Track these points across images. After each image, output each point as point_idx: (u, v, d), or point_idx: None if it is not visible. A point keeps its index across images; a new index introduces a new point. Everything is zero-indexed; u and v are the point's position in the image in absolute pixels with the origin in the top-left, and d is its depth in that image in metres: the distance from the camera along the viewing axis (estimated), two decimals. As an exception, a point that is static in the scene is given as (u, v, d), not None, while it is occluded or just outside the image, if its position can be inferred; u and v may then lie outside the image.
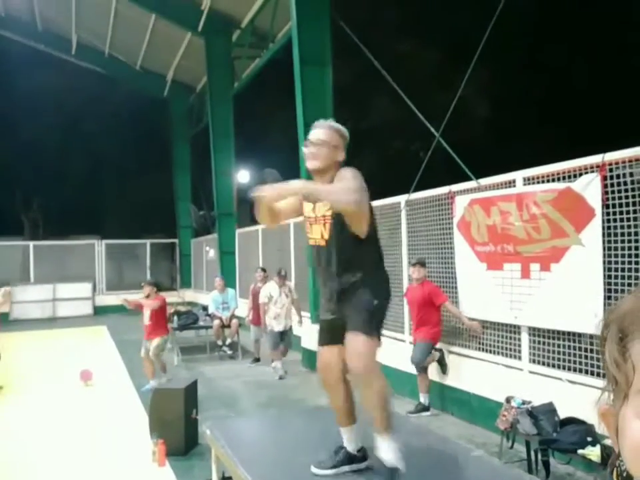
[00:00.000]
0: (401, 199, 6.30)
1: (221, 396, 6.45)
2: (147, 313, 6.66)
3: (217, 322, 8.72)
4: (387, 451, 2.40)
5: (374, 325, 2.46)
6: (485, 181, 5.25)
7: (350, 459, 2.64)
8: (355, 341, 2.40)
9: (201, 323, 9.29)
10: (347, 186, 2.39)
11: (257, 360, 8.22)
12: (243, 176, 16.04)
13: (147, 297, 6.81)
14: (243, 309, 9.53)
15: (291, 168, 9.66)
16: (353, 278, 2.51)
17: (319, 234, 2.59)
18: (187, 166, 17.24)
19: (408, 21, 10.48)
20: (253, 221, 12.93)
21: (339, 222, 2.50)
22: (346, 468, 2.63)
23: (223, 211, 12.52)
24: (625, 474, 0.42)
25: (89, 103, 17.60)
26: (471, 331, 5.30)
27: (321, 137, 2.58)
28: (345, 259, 2.52)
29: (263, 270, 8.37)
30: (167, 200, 17.61)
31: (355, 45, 7.76)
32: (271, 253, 10.55)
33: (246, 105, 13.02)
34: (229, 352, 8.73)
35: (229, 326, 8.77)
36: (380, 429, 2.43)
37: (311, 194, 2.48)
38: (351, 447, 2.66)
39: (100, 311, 15.37)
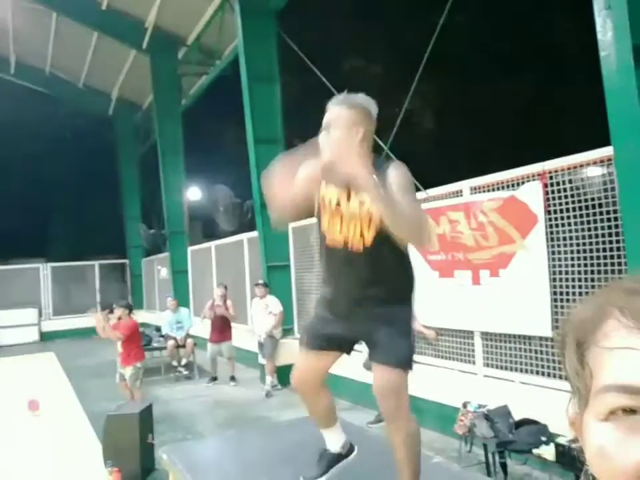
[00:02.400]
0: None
1: (178, 418, 6.29)
2: (119, 338, 6.31)
3: (171, 342, 8.52)
4: None
5: (407, 355, 2.11)
6: (433, 192, 5.38)
7: (336, 458, 2.49)
8: (390, 376, 2.07)
9: (155, 344, 9.05)
10: (417, 206, 1.93)
11: (214, 379, 8.07)
12: (193, 193, 15.85)
13: (119, 320, 6.46)
14: (198, 327, 9.36)
15: (242, 184, 9.64)
16: (391, 291, 2.12)
17: (353, 234, 2.06)
18: (135, 184, 16.90)
19: (354, 37, 10.69)
20: (206, 238, 12.81)
21: (381, 225, 1.98)
22: (337, 468, 2.47)
23: (173, 229, 12.31)
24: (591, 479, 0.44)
25: (31, 123, 17.01)
26: (427, 338, 5.38)
27: (327, 121, 2.05)
28: (386, 269, 2.09)
29: (225, 287, 8.26)
30: (115, 220, 17.18)
31: (303, 61, 7.86)
32: (224, 269, 10.43)
33: (195, 122, 12.91)
34: (185, 372, 8.54)
35: (183, 346, 8.58)
36: (405, 477, 2.13)
37: (371, 195, 1.87)
38: (334, 446, 2.50)
39: (47, 337, 14.75)
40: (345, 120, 2.04)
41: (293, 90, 9.24)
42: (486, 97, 9.27)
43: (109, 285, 17.17)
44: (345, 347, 2.29)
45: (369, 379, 5.60)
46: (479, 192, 4.83)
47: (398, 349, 2.08)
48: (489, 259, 4.67)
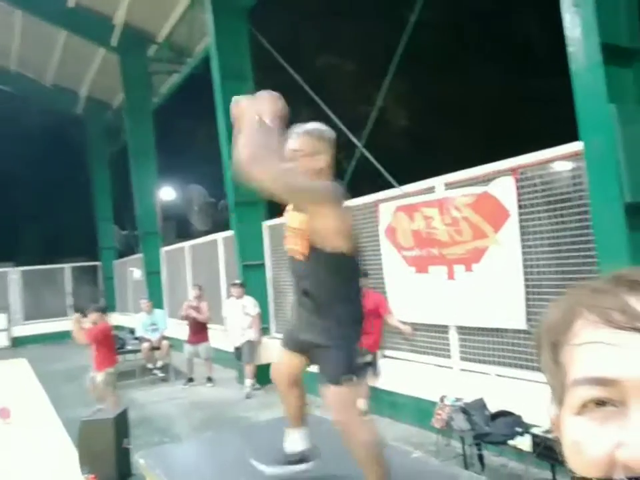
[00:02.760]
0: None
1: (155, 421, 6.20)
2: (92, 342, 6.18)
3: (145, 345, 8.41)
4: None
5: (344, 370, 2.21)
6: (407, 188, 5.42)
7: (295, 458, 2.59)
8: (331, 394, 2.22)
9: (129, 347, 8.92)
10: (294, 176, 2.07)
11: (191, 380, 7.99)
12: (166, 193, 15.67)
13: (94, 324, 6.31)
14: (173, 329, 9.26)
15: (216, 183, 9.56)
16: (329, 304, 2.26)
17: (295, 246, 2.30)
18: (106, 185, 16.62)
19: (326, 35, 10.69)
20: (179, 238, 12.67)
21: (315, 239, 2.19)
22: (290, 468, 2.58)
23: (146, 229, 12.12)
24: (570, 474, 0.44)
25: (-4, 123, 16.56)
26: (403, 334, 5.42)
27: (292, 147, 2.23)
28: (318, 280, 2.26)
29: (200, 288, 8.16)
30: (87, 221, 16.85)
31: (276, 59, 7.83)
32: (199, 270, 10.33)
33: (167, 121, 12.75)
34: (161, 374, 8.44)
35: (158, 348, 8.48)
36: None
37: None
38: (294, 447, 2.61)
39: (18, 343, 14.41)
40: (308, 150, 2.23)
41: (266, 88, 9.20)
42: (459, 93, 9.37)
43: (81, 288, 16.86)
44: (302, 350, 2.42)
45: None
46: (453, 188, 4.87)
47: (328, 366, 2.23)
48: (463, 253, 4.72)
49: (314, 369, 2.43)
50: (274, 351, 2.70)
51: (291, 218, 2.37)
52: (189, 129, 13.17)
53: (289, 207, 2.39)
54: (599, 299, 0.44)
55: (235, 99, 2.20)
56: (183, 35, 10.67)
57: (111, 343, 6.40)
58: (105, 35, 11.52)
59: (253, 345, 7.15)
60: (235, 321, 7.25)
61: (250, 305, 7.19)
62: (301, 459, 2.59)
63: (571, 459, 0.44)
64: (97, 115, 16.00)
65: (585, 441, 0.42)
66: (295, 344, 2.45)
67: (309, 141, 2.25)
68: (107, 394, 6.01)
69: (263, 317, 7.55)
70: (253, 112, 2.09)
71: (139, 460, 3.20)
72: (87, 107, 15.81)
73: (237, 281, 7.45)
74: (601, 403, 0.42)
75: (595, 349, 0.43)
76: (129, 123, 12.17)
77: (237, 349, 7.26)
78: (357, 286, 2.37)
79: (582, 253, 3.84)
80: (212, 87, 7.97)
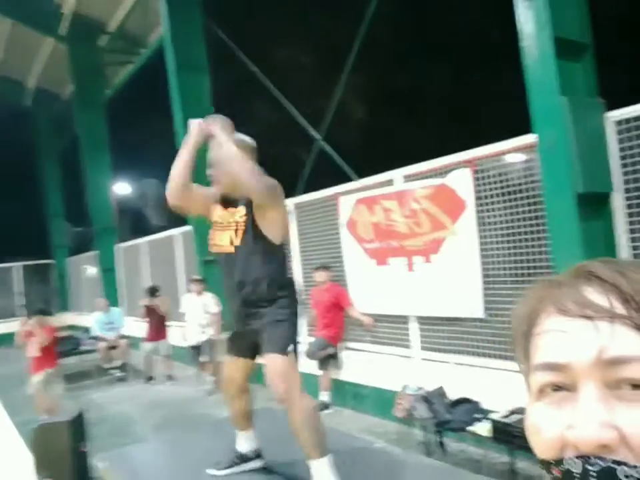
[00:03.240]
0: (289, 202, 6.34)
1: (114, 422, 6.06)
2: (34, 345, 5.99)
3: (102, 344, 8.20)
4: (323, 478, 2.30)
5: (289, 342, 2.38)
6: (366, 181, 5.44)
7: (244, 459, 2.75)
8: (274, 363, 2.35)
9: (85, 347, 8.68)
10: (267, 180, 2.37)
11: (151, 379, 7.84)
12: (121, 188, 15.26)
13: (40, 327, 6.09)
14: (131, 326, 9.06)
15: (173, 177, 9.31)
16: (265, 289, 2.42)
17: (228, 240, 2.46)
18: (58, 179, 16.05)
19: (285, 27, 10.60)
20: (136, 234, 12.36)
21: (252, 229, 2.40)
22: (239, 468, 2.73)
23: (101, 225, 11.78)
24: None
25: None
26: (364, 325, 5.46)
27: (214, 160, 2.48)
28: (254, 268, 2.41)
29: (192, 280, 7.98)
30: (37, 218, 16.23)
31: (232, 51, 7.71)
32: (156, 266, 10.12)
33: (121, 113, 12.38)
34: (119, 374, 8.24)
35: (116, 347, 8.28)
36: (311, 453, 2.32)
37: (228, 156, 2.36)
38: (245, 448, 2.75)
39: (-34, 346, 13.81)
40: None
41: (225, 80, 9.05)
42: (416, 86, 9.47)
43: (34, 287, 16.28)
44: (248, 350, 2.56)
45: (309, 368, 5.61)
46: (411, 180, 4.92)
47: (274, 337, 2.37)
48: (422, 245, 4.78)
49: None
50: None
51: (222, 214, 2.53)
52: (144, 121, 12.84)
53: (216, 205, 2.57)
54: (557, 290, 0.47)
55: (191, 120, 2.53)
56: (136, 25, 10.38)
57: (51, 346, 6.23)
58: (53, 24, 11.08)
59: (213, 343, 7.02)
60: (194, 319, 7.07)
61: (211, 302, 7.01)
62: (250, 458, 2.75)
63: (533, 442, 0.46)
64: (46, 107, 15.40)
65: (542, 424, 0.44)
66: (240, 348, 2.58)
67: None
68: (46, 396, 5.87)
69: (223, 313, 7.43)
70: (208, 133, 2.44)
71: (98, 463, 3.12)
72: (35, 99, 15.21)
73: (197, 277, 7.29)
74: (556, 387, 0.44)
75: (549, 336, 0.46)
76: (80, 115, 11.76)
77: (195, 347, 7.08)
78: (288, 270, 2.64)
79: (536, 242, 3.94)
80: (167, 78, 7.79)
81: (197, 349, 7.08)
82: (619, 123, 3.49)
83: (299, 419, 2.32)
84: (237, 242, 2.43)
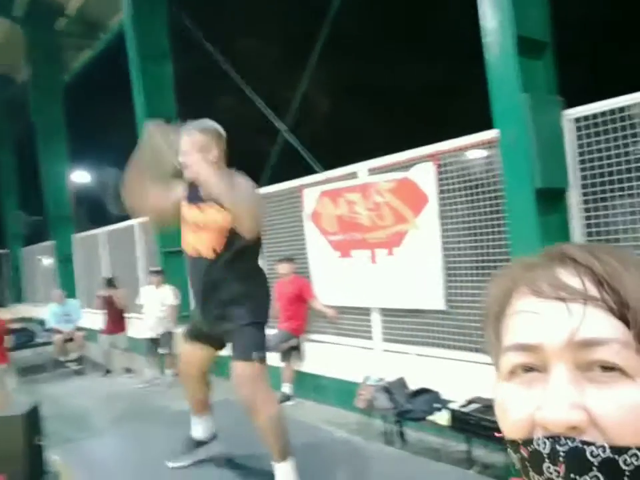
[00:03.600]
0: (252, 193, 6.28)
1: (70, 415, 5.91)
2: None
3: (58, 336, 7.97)
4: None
5: (257, 348, 2.38)
6: (330, 173, 5.45)
7: (200, 444, 2.76)
8: (240, 369, 2.35)
9: (39, 340, 8.42)
10: (245, 194, 2.30)
11: (109, 372, 7.67)
12: (80, 176, 14.82)
13: None
14: (88, 319, 8.84)
15: (133, 166, 9.10)
16: (240, 292, 2.41)
17: (206, 243, 2.40)
18: (11, 167, 15.47)
19: (251, 16, 10.47)
20: (94, 223, 12.04)
21: (234, 232, 2.35)
22: (196, 453, 2.75)
23: (57, 214, 11.43)
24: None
25: None
26: (327, 318, 5.48)
27: (184, 146, 2.43)
28: (230, 270, 2.40)
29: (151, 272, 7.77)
30: (-11, 207, 15.65)
31: (198, 39, 7.57)
32: (115, 257, 9.90)
33: (80, 99, 12.01)
34: (76, 367, 8.04)
35: (72, 339, 8.06)
36: (276, 457, 2.35)
37: (219, 190, 2.29)
38: (199, 433, 2.77)
39: None
40: (199, 144, 2.41)
41: (186, 69, 8.89)
42: (381, 80, 9.52)
43: (-15, 277, 15.72)
44: (213, 343, 2.58)
45: (272, 361, 5.60)
46: (375, 174, 4.95)
47: (242, 343, 2.39)
48: (384, 238, 4.82)
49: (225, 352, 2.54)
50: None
51: (193, 213, 2.47)
52: (103, 108, 12.49)
53: (185, 201, 2.52)
54: (531, 272, 0.47)
55: (148, 123, 2.52)
56: (96, 8, 10.08)
57: (2, 340, 6.03)
58: (7, 4, 10.64)
59: (170, 336, 6.90)
60: (152, 311, 6.92)
61: (170, 295, 6.88)
62: (206, 443, 2.77)
63: (501, 422, 0.46)
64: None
65: (512, 404, 0.44)
66: (204, 337, 2.57)
67: (199, 138, 2.43)
68: None
69: (184, 305, 7.30)
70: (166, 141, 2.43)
71: (54, 457, 3.04)
72: (-14, 82, 14.61)
73: (156, 268, 7.15)
74: (527, 368, 0.44)
75: (522, 317, 0.46)
76: (35, 101, 11.35)
77: (153, 339, 6.95)
78: (262, 270, 2.65)
79: (496, 236, 4.03)
80: (128, 65, 7.59)
81: (155, 342, 6.96)
82: (577, 120, 3.59)
83: (263, 425, 2.34)
84: (219, 247, 2.39)
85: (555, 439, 0.40)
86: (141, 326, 7.26)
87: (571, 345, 0.42)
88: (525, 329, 0.45)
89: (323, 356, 5.57)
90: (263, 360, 2.40)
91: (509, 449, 0.45)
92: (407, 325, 4.76)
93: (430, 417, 3.64)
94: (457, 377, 4.14)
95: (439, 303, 4.43)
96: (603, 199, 3.46)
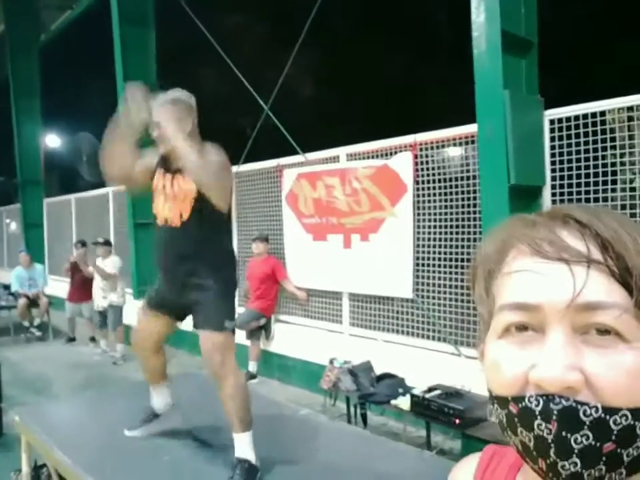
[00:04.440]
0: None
1: (30, 381, 5.83)
2: None
3: (22, 301, 7.83)
4: (244, 451, 2.35)
5: (227, 318, 2.38)
6: (311, 156, 5.45)
7: (157, 415, 2.77)
8: (210, 338, 2.34)
9: (2, 303, 8.26)
10: (213, 164, 2.29)
11: (72, 340, 7.58)
12: (52, 140, 14.44)
13: None
14: (53, 285, 8.70)
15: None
16: (207, 263, 2.39)
17: (174, 212, 2.38)
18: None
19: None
20: (64, 190, 11.78)
21: (200, 200, 2.33)
22: (155, 423, 2.76)
23: (27, 178, 11.13)
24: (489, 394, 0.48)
25: None
26: (298, 299, 5.52)
27: (156, 118, 2.39)
28: (200, 241, 2.38)
29: (83, 244, 7.65)
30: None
31: (183, 11, 7.41)
32: (86, 225, 9.72)
33: (56, 61, 11.64)
34: (38, 333, 7.92)
35: (36, 305, 7.93)
36: (238, 427, 2.35)
37: (177, 151, 2.28)
38: (158, 402, 2.77)
39: None
40: (171, 115, 2.37)
41: (170, 40, 8.71)
42: (365, 67, 9.51)
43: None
44: (175, 314, 2.54)
45: (238, 339, 5.64)
46: (355, 159, 4.98)
47: (212, 313, 2.36)
48: (360, 224, 4.86)
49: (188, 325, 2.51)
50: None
51: (163, 181, 2.44)
52: (81, 71, 12.16)
53: (159, 170, 2.48)
54: (532, 230, 0.46)
55: (130, 85, 2.39)
56: (79, -32, 9.75)
57: None
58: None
59: (117, 310, 6.76)
60: (97, 282, 6.81)
61: (109, 264, 6.72)
62: (164, 413, 2.77)
63: (490, 379, 0.47)
64: (-28, 46, 14.27)
65: (504, 362, 0.45)
66: (165, 307, 2.53)
67: (171, 109, 2.39)
68: None
69: (144, 279, 7.15)
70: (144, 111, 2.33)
71: (15, 417, 3.02)
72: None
73: (101, 239, 6.96)
74: (522, 327, 0.45)
75: (522, 276, 0.45)
76: (10, 60, 10.97)
77: (101, 312, 6.86)
78: (231, 239, 2.62)
79: (469, 230, 4.11)
80: (110, 30, 7.40)
81: (102, 314, 6.87)
82: (552, 122, 3.67)
83: (229, 393, 2.34)
84: (185, 215, 2.37)
85: (548, 397, 0.41)
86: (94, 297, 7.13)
87: (572, 307, 0.42)
88: (524, 288, 0.45)
89: (291, 337, 5.61)
90: (233, 330, 2.41)
91: (495, 406, 0.46)
92: (375, 311, 4.83)
93: (393, 402, 3.72)
94: (421, 365, 4.23)
95: (407, 292, 4.51)
96: (571, 201, 3.56)
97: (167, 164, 2.45)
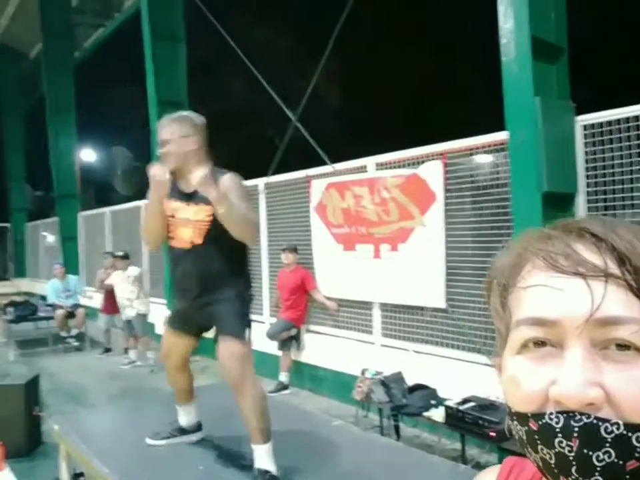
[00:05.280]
0: (260, 182, 6.31)
1: (68, 390, 5.98)
2: None
3: (59, 312, 8.03)
4: (264, 462, 2.35)
5: (245, 327, 2.42)
6: (339, 166, 5.46)
7: (182, 431, 2.81)
8: (230, 348, 2.36)
9: (41, 314, 8.49)
10: (247, 212, 2.33)
11: (108, 350, 7.74)
12: (87, 154, 14.85)
13: None
14: (89, 297, 8.90)
15: (141, 146, 9.16)
16: (225, 280, 2.43)
17: (187, 237, 2.42)
18: (20, 141, 15.48)
19: (264, 5, 10.46)
20: (99, 203, 12.08)
21: (215, 226, 2.33)
22: (178, 439, 2.80)
23: (63, 192, 11.45)
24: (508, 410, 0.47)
25: None
26: (328, 309, 5.52)
27: (163, 137, 2.43)
28: (214, 266, 2.41)
29: (113, 256, 7.83)
30: (-4, 179, 15.68)
31: (212, 24, 7.56)
32: (120, 237, 9.94)
33: (91, 78, 12.01)
34: (75, 343, 8.11)
35: (73, 315, 8.13)
36: (255, 438, 2.37)
37: (229, 209, 2.25)
38: (184, 421, 2.81)
39: None
40: (177, 135, 2.40)
41: (201, 53, 8.88)
42: (393, 76, 9.52)
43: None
44: (196, 330, 2.59)
45: (270, 349, 5.63)
46: (384, 168, 4.97)
47: (229, 323, 2.41)
48: (389, 233, 4.85)
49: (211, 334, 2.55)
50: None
51: (176, 207, 2.48)
52: (114, 87, 12.49)
53: (170, 197, 2.49)
54: (547, 244, 0.46)
55: (150, 166, 2.43)
56: (112, -13, 10.06)
57: None
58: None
59: (143, 318, 6.98)
60: (122, 294, 6.98)
61: (132, 274, 6.97)
62: (189, 431, 2.81)
63: (508, 394, 0.46)
64: (11, 65, 14.81)
65: (523, 378, 0.44)
66: (185, 324, 2.58)
67: (177, 127, 2.43)
68: None
69: (165, 296, 7.29)
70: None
71: (53, 426, 3.09)
72: (1, 56, 14.58)
73: (119, 253, 7.20)
74: (540, 343, 0.44)
75: (539, 291, 0.45)
76: (47, 77, 11.35)
77: (128, 321, 7.02)
78: (248, 258, 2.63)
79: (501, 239, 4.05)
80: (141, 46, 7.59)
81: (129, 324, 7.04)
82: (585, 127, 3.60)
83: (249, 404, 2.35)
84: (199, 241, 2.40)
85: (569, 414, 0.41)
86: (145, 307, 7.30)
87: (590, 322, 0.42)
88: (542, 303, 0.44)
89: (322, 347, 5.61)
90: (250, 338, 2.44)
91: (514, 422, 0.46)
92: (406, 321, 4.80)
93: (426, 413, 3.68)
94: (454, 376, 4.18)
95: (439, 302, 4.46)
96: (607, 208, 3.49)
97: (176, 186, 2.46)
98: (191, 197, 2.42)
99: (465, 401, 3.47)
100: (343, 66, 9.78)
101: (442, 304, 4.44)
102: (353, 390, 4.18)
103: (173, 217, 2.47)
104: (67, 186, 11.45)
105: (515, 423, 0.46)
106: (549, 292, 0.44)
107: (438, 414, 3.54)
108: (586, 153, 3.62)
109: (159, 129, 2.47)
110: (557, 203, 3.58)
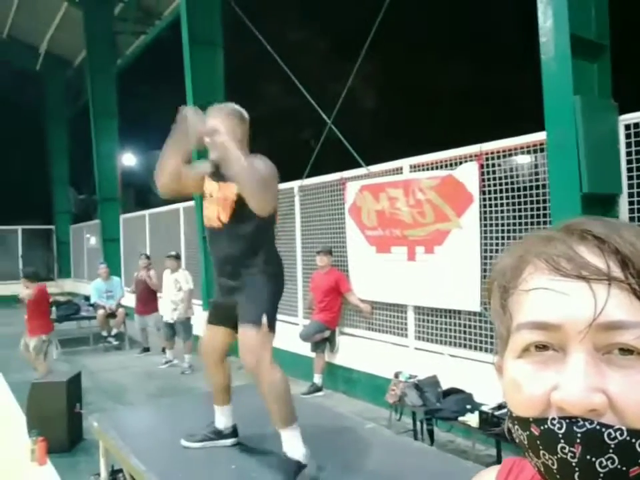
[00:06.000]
0: (295, 184, 6.36)
1: (108, 388, 6.14)
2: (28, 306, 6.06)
3: (101, 311, 8.26)
4: (290, 446, 2.38)
5: (263, 313, 2.42)
6: (374, 168, 5.45)
7: (218, 434, 2.81)
8: (246, 334, 2.39)
9: (83, 314, 8.76)
10: (261, 172, 2.35)
11: (146, 350, 7.91)
12: (128, 159, 15.26)
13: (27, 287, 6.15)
14: (129, 297, 9.12)
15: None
16: (248, 265, 2.47)
17: (215, 215, 2.50)
18: (64, 146, 16.03)
19: (300, 10, 10.53)
20: (139, 206, 12.38)
21: (240, 204, 2.40)
22: (213, 443, 2.80)
23: (105, 195, 11.80)
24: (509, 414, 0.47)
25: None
26: (362, 312, 5.50)
27: (211, 124, 2.50)
28: (241, 244, 2.45)
29: (147, 257, 8.00)
30: (41, 183, 16.23)
31: (248, 29, 7.67)
32: (158, 239, 10.16)
33: (132, 84, 12.34)
34: (115, 343, 8.33)
35: (114, 315, 8.34)
36: (280, 423, 2.40)
37: (228, 154, 2.36)
38: (221, 424, 2.81)
39: (-36, 305, 13.90)
40: (223, 122, 2.48)
41: (237, 58, 9.01)
42: (427, 77, 9.44)
43: (33, 251, 16.35)
44: (231, 322, 2.56)
45: (304, 351, 5.65)
46: (418, 170, 4.93)
47: (250, 311, 2.42)
48: (424, 235, 4.80)
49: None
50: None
51: (212, 188, 2.56)
52: (154, 93, 12.79)
53: (207, 176, 2.58)
54: (549, 246, 0.45)
55: (182, 108, 2.53)
56: (152, -4, 10.30)
57: (46, 310, 6.27)
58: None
59: (187, 323, 7.02)
60: (168, 295, 7.02)
61: (183, 279, 6.95)
62: (227, 434, 2.80)
63: (510, 398, 0.45)
64: (57, 72, 15.36)
65: (524, 382, 0.43)
66: (221, 317, 2.61)
67: (224, 117, 2.52)
68: (38, 361, 5.94)
69: (207, 292, 7.34)
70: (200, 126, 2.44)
71: (93, 423, 3.18)
72: (46, 63, 15.14)
73: (172, 253, 7.19)
74: (542, 347, 0.43)
75: (541, 295, 0.44)
76: (91, 83, 11.72)
77: (170, 324, 7.06)
78: (274, 244, 2.65)
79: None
80: (180, 52, 7.75)
81: (171, 327, 7.09)
82: (627, 127, 3.49)
83: (266, 390, 2.38)
84: (224, 218, 2.47)
85: (571, 419, 0.40)
86: (162, 309, 7.40)
87: (593, 327, 0.41)
88: (543, 307, 0.43)
89: (356, 350, 5.60)
90: (272, 327, 2.43)
91: (515, 426, 0.45)
92: (441, 324, 4.74)
93: (460, 418, 3.62)
94: (489, 380, 4.10)
95: (474, 305, 4.40)
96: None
97: (217, 171, 2.55)
98: (223, 177, 2.50)
99: (500, 406, 3.40)
100: (378, 68, 9.76)
101: (477, 307, 4.37)
102: (387, 393, 4.16)
103: (211, 196, 2.56)
104: (108, 189, 11.79)
105: (516, 427, 0.45)
106: (551, 295, 0.43)
107: (473, 419, 3.49)
108: (629, 153, 3.50)
109: (209, 116, 2.54)
110: (598, 205, 3.48)
